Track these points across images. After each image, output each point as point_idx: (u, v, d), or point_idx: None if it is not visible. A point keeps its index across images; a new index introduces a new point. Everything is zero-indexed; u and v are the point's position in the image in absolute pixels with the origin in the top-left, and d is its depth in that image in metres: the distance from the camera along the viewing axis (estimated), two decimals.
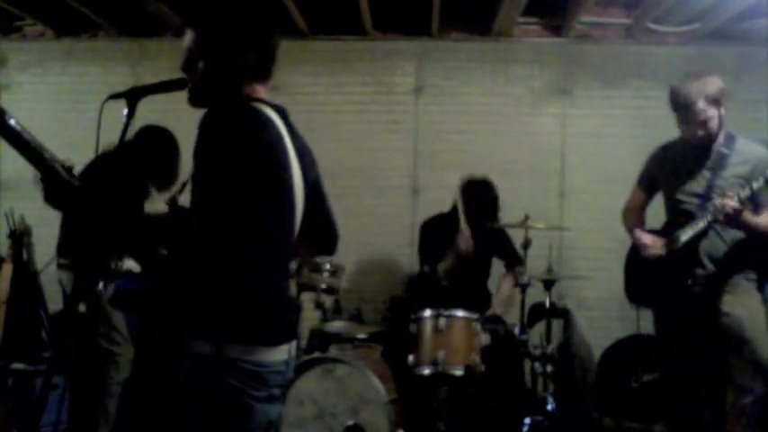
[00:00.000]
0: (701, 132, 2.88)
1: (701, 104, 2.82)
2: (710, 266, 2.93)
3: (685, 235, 2.94)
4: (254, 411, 1.63)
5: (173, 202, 1.74)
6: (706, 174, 2.96)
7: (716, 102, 2.85)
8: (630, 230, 3.23)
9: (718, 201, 2.78)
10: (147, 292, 1.68)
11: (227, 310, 1.62)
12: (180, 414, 1.65)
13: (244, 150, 1.59)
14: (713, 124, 2.87)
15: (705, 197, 2.93)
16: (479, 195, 4.14)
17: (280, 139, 1.70)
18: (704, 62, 4.63)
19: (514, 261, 4.13)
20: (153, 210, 3.30)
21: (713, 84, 2.85)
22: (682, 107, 2.87)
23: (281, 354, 1.70)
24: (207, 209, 1.57)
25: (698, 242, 2.92)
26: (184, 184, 1.72)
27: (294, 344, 1.78)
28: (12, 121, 1.55)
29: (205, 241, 1.56)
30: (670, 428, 3.34)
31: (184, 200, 1.84)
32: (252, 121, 1.65)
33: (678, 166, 3.05)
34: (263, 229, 1.65)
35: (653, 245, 3.06)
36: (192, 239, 1.58)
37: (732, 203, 2.71)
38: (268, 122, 1.68)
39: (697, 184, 2.97)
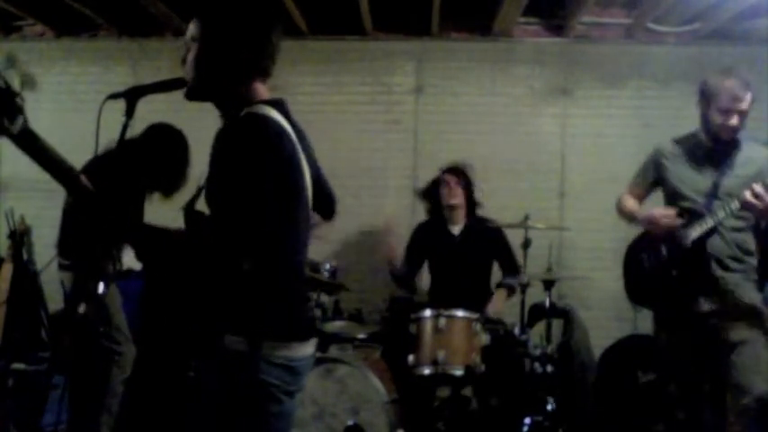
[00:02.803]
0: (735, 123, 2.86)
1: (749, 96, 2.84)
2: (716, 266, 2.92)
3: (693, 233, 2.92)
4: (285, 406, 1.70)
5: (189, 207, 1.75)
6: (712, 172, 2.95)
7: (753, 96, 2.87)
8: (631, 213, 3.18)
9: (755, 188, 2.74)
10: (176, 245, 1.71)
11: (262, 307, 1.66)
12: (213, 413, 1.67)
13: (268, 163, 1.63)
14: (745, 117, 2.88)
15: (711, 196, 2.92)
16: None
17: (292, 143, 1.73)
18: (704, 62, 4.64)
19: (511, 268, 4.14)
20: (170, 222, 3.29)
21: (748, 76, 2.88)
22: (725, 98, 2.84)
23: (311, 347, 1.77)
24: (236, 217, 1.60)
25: (706, 240, 2.90)
26: (200, 190, 1.73)
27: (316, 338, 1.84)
28: (39, 140, 1.58)
29: (238, 246, 1.60)
30: (670, 428, 3.33)
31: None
32: (269, 133, 1.67)
33: (683, 164, 3.04)
34: (291, 230, 1.71)
35: (667, 215, 3.00)
36: (225, 245, 1.61)
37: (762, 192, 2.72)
38: (281, 130, 1.70)
39: (703, 183, 2.96)
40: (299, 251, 1.78)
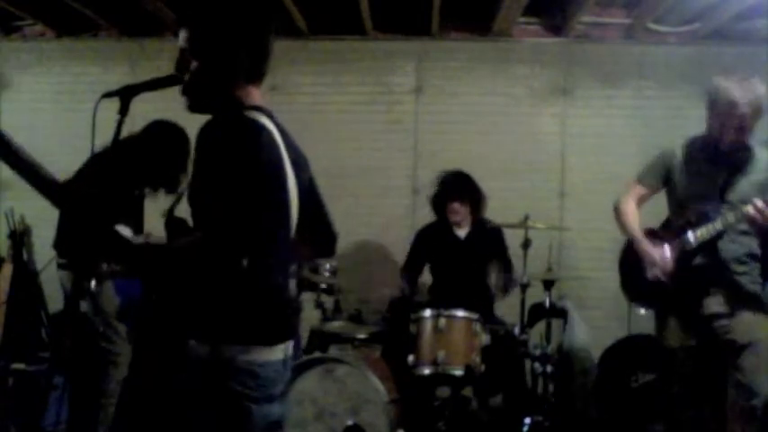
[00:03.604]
0: (732, 137, 2.81)
1: (745, 110, 2.74)
2: (721, 269, 2.91)
3: (698, 236, 2.90)
4: (252, 413, 1.65)
5: (170, 214, 1.74)
6: (723, 177, 2.91)
7: (758, 110, 2.76)
8: (633, 236, 3.13)
9: (757, 203, 2.69)
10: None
11: (224, 312, 1.63)
12: (181, 418, 1.67)
13: (245, 166, 1.60)
14: (748, 132, 2.80)
15: (720, 200, 2.90)
16: (449, 190, 4.17)
17: (277, 149, 1.70)
18: (704, 62, 4.64)
19: (505, 266, 4.14)
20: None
21: (759, 90, 2.76)
22: (724, 109, 2.78)
23: (278, 353, 1.72)
24: (209, 219, 1.59)
25: (715, 243, 2.87)
26: (180, 196, 1.72)
27: (291, 343, 1.79)
28: (12, 143, 1.55)
29: (208, 249, 1.57)
30: (669, 428, 3.33)
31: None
32: (252, 135, 1.64)
33: (693, 166, 2.99)
34: (261, 237, 1.66)
35: (663, 263, 2.98)
36: (195, 248, 1.59)
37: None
38: (266, 135, 1.67)
39: (714, 187, 2.92)
40: (271, 253, 1.72)
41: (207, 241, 1.58)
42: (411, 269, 4.29)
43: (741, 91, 2.75)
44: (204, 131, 1.63)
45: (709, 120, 2.90)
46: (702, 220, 2.90)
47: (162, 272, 1.67)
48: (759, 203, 2.69)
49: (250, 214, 1.60)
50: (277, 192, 1.70)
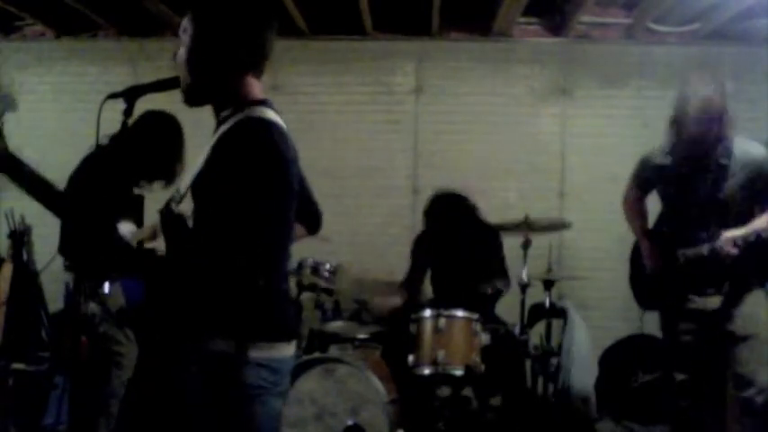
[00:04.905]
0: (712, 128, 2.83)
1: (715, 98, 2.81)
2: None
3: (688, 256, 2.95)
4: (269, 406, 1.70)
5: (168, 211, 1.74)
6: (707, 181, 2.92)
7: (725, 98, 2.83)
8: (637, 231, 3.22)
9: (721, 244, 2.82)
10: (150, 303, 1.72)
11: (248, 309, 1.65)
12: (197, 414, 1.69)
13: (275, 169, 1.64)
14: (725, 121, 2.84)
15: (708, 203, 2.91)
16: (441, 214, 4.15)
17: (293, 148, 1.72)
18: (704, 62, 4.64)
19: (499, 271, 4.12)
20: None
21: (721, 81, 2.86)
22: (693, 105, 2.83)
23: (293, 348, 1.78)
24: (230, 218, 1.60)
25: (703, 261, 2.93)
26: (183, 195, 1.72)
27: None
28: (27, 167, 1.56)
29: (230, 247, 1.59)
30: (670, 428, 3.33)
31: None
32: (277, 139, 1.67)
33: (677, 172, 3.00)
34: (279, 233, 1.70)
35: (655, 261, 3.08)
36: (219, 248, 1.61)
37: (733, 251, 2.80)
38: (284, 136, 1.70)
39: (699, 192, 2.94)
40: (287, 253, 1.79)
41: (227, 260, 1.59)
42: (413, 280, 4.22)
43: (705, 85, 2.85)
44: (230, 136, 1.66)
45: (687, 126, 2.90)
46: (691, 242, 2.95)
47: (176, 281, 1.69)
48: (735, 239, 2.80)
49: (272, 232, 1.64)
50: (294, 194, 1.73)
